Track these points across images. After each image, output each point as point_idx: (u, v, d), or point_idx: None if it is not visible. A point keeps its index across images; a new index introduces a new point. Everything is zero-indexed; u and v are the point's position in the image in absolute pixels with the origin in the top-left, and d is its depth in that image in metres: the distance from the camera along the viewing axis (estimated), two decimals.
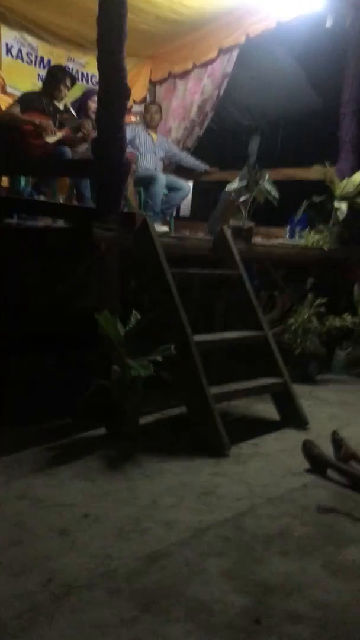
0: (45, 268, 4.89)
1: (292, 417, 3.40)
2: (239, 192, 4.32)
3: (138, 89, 6.23)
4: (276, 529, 2.19)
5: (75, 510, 2.25)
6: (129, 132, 4.85)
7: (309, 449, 2.78)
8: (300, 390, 3.64)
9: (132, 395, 3.00)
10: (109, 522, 2.18)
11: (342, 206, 4.72)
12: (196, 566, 1.92)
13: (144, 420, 3.28)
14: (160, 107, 5.88)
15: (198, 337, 3.18)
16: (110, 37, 3.06)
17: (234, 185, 4.36)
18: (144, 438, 3.06)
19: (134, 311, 3.18)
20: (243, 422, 3.44)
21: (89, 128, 4.70)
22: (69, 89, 4.90)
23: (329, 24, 4.83)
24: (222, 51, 5.83)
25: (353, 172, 4.82)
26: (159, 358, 2.92)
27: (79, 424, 3.16)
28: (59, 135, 4.65)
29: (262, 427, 3.34)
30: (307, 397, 3.84)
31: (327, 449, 2.82)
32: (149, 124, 5.59)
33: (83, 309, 4.78)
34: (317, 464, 2.73)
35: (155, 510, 2.29)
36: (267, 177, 4.23)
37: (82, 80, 5.83)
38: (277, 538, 2.13)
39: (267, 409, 3.56)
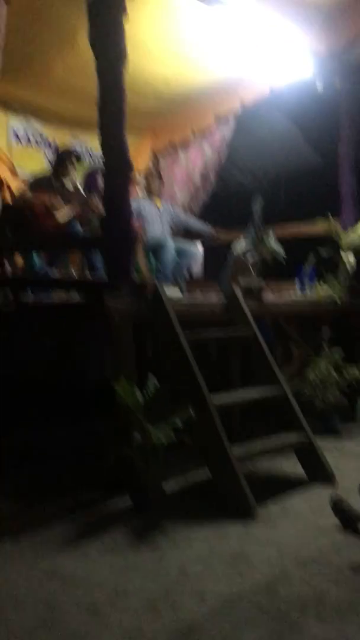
0: (61, 342, 5.01)
1: (318, 472, 3.35)
2: (246, 251, 4.42)
3: (141, 160, 6.47)
4: (310, 593, 2.13)
5: (104, 587, 2.21)
6: (134, 205, 5.03)
7: (337, 505, 2.73)
8: (324, 444, 3.60)
9: (154, 462, 2.99)
10: (139, 596, 2.15)
11: (350, 257, 4.78)
12: (231, 639, 1.87)
13: (168, 486, 3.25)
14: (159, 173, 6.09)
15: (216, 398, 3.19)
16: (111, 118, 3.23)
17: (241, 245, 4.46)
18: (169, 505, 3.03)
19: (150, 376, 3.21)
20: (268, 480, 3.39)
21: (97, 204, 4.88)
22: (75, 168, 5.12)
23: (320, 88, 5.03)
24: (219, 119, 6.06)
25: (356, 223, 4.91)
26: (179, 423, 2.92)
27: (103, 494, 3.14)
28: (69, 213, 4.84)
29: (288, 484, 3.29)
30: (332, 450, 3.78)
31: (357, 503, 2.76)
32: (151, 192, 5.78)
33: (101, 379, 4.86)
34: (347, 519, 2.68)
35: (185, 581, 2.25)
36: (271, 235, 4.32)
37: (88, 157, 6.08)
38: (312, 602, 2.07)
39: (291, 465, 3.52)
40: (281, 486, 3.26)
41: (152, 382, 3.17)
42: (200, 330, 3.85)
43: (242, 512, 2.85)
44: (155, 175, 5.93)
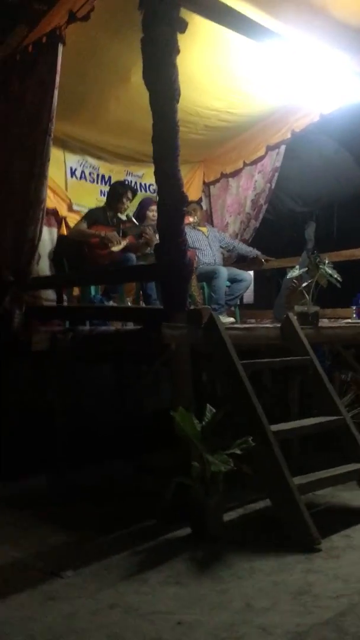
0: (119, 371, 5.07)
1: None
2: (300, 277, 4.40)
3: (193, 191, 6.58)
4: None
5: (167, 618, 2.19)
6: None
7: None
8: None
9: (213, 491, 2.97)
10: (203, 629, 2.11)
11: None
12: None
13: (228, 516, 3.22)
14: (200, 204, 6.22)
15: (275, 427, 3.15)
16: (165, 153, 3.30)
17: (296, 272, 4.44)
18: (230, 536, 2.99)
19: (208, 405, 3.21)
20: (331, 513, 3.30)
21: (151, 233, 4.99)
22: (130, 201, 5.25)
23: None
24: (269, 148, 6.10)
25: None
26: (238, 451, 2.90)
27: (163, 525, 3.13)
28: (123, 243, 4.96)
29: (353, 516, 3.20)
30: None
31: None
32: (195, 223, 5.83)
33: (159, 408, 4.88)
34: None
35: (249, 615, 2.21)
36: (327, 261, 4.29)
37: (140, 190, 6.22)
38: None
39: (354, 497, 3.42)
40: (344, 518, 3.17)
41: (210, 411, 3.17)
42: (256, 359, 3.84)
43: (305, 544, 2.78)
44: (194, 207, 5.98)
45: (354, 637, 2.02)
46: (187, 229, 5.61)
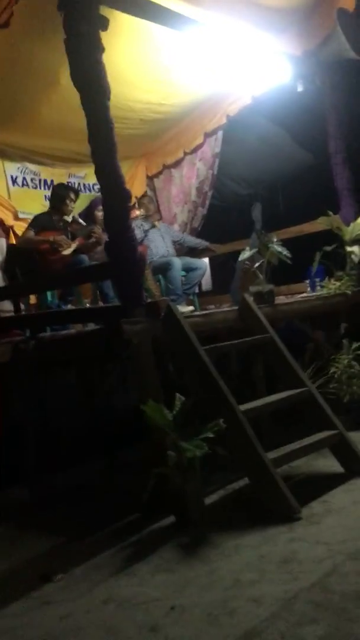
0: (84, 372, 5.07)
1: (355, 465, 3.36)
2: (252, 259, 4.47)
3: (137, 185, 6.60)
4: None
5: (161, 604, 2.25)
6: (138, 231, 5.15)
7: None
8: (358, 437, 3.60)
9: (192, 477, 3.02)
10: (197, 609, 2.17)
11: (355, 249, 4.81)
12: (293, 638, 1.90)
13: (210, 500, 3.28)
14: (151, 197, 6.29)
15: (244, 406, 3.22)
16: (103, 151, 3.32)
17: (246, 253, 4.52)
18: (213, 518, 3.05)
19: (177, 395, 3.26)
20: (308, 481, 3.40)
21: (99, 232, 4.99)
22: (74, 202, 5.23)
23: (300, 88, 5.11)
24: (207, 135, 6.16)
25: (357, 216, 4.95)
26: (211, 435, 2.96)
27: (147, 517, 3.17)
28: (73, 246, 4.95)
29: (328, 482, 3.30)
30: None
31: None
32: (148, 215, 5.87)
33: (128, 404, 4.90)
34: None
35: (239, 589, 2.27)
36: (275, 239, 4.38)
37: (84, 190, 6.21)
38: None
39: (329, 463, 3.52)
40: (321, 484, 3.27)
41: (179, 399, 3.22)
42: (218, 342, 3.90)
43: (286, 514, 2.87)
44: (148, 199, 6.06)
45: (340, 596, 2.10)
46: (139, 222, 5.71)
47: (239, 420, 3.07)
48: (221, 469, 3.42)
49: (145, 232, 5.63)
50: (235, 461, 3.18)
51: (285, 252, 4.31)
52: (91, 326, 4.36)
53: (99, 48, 3.30)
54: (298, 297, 4.91)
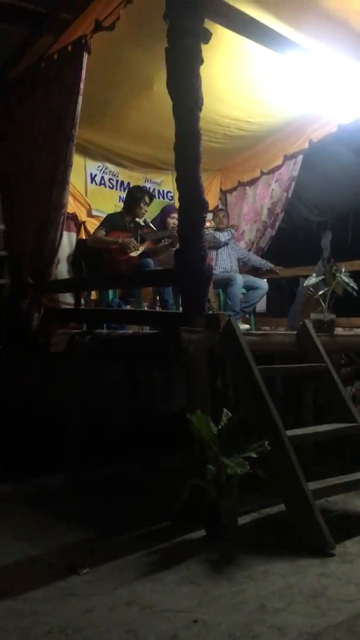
0: (134, 373, 5.11)
1: None
2: (316, 286, 4.42)
3: (210, 198, 6.55)
4: None
5: (184, 616, 2.22)
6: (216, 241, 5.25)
7: None
8: None
9: (228, 494, 2.99)
10: (219, 627, 2.14)
11: None
12: None
13: (242, 520, 3.24)
14: (227, 212, 6.35)
15: (291, 432, 3.17)
16: (188, 160, 3.35)
17: (312, 280, 4.47)
18: (245, 539, 3.01)
19: (224, 409, 3.24)
20: (344, 519, 3.31)
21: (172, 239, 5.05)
22: (148, 206, 5.30)
23: None
24: (287, 157, 6.14)
25: None
26: (254, 455, 2.92)
27: (178, 527, 3.15)
28: (141, 249, 5.01)
29: None
30: None
31: None
32: (219, 228, 5.94)
33: (170, 411, 4.92)
34: None
35: (264, 615, 2.23)
36: (343, 270, 4.31)
37: (158, 197, 6.29)
38: None
39: None
40: (357, 524, 3.17)
41: (227, 415, 3.20)
42: (272, 365, 3.87)
43: (319, 548, 2.80)
44: (223, 214, 6.10)
45: None
46: (212, 233, 5.75)
47: (284, 445, 3.02)
48: (257, 491, 3.37)
49: (225, 242, 5.71)
50: (274, 485, 3.13)
51: (352, 283, 4.23)
52: (146, 329, 4.41)
53: (198, 60, 3.34)
54: (358, 330, 4.81)
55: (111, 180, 6.03)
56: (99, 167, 5.92)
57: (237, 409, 3.34)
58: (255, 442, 3.01)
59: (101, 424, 4.59)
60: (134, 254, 4.96)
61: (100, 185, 5.94)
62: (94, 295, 5.35)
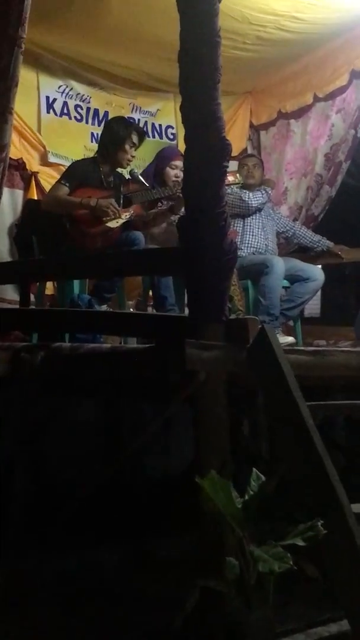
0: (113, 410, 5.11)
1: None
2: None
3: (234, 138, 6.65)
4: None
5: None
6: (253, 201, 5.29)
7: None
8: None
9: (261, 603, 2.99)
10: None
11: None
12: None
13: None
14: (260, 160, 6.36)
15: (357, 507, 3.16)
16: (199, 76, 3.34)
17: None
18: None
19: (254, 470, 3.24)
20: None
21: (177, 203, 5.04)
22: (136, 148, 5.32)
23: None
24: (356, 74, 6.18)
25: None
26: (301, 542, 2.91)
27: None
28: (125, 216, 5.01)
29: None
30: None
31: None
32: (247, 185, 5.95)
33: (170, 470, 4.91)
34: None
35: None
36: None
37: (153, 134, 6.33)
38: None
39: None
40: None
41: (257, 478, 3.19)
42: (328, 399, 3.86)
43: None
44: (255, 162, 6.10)
45: None
46: (236, 192, 5.74)
47: (349, 528, 3.01)
48: (304, 599, 3.37)
49: (258, 207, 5.73)
50: (332, 591, 3.12)
51: None
52: (132, 342, 4.40)
53: None
54: None
55: (79, 109, 6.09)
56: (59, 87, 5.99)
57: (273, 470, 3.33)
58: (302, 522, 3.01)
59: (62, 487, 4.58)
60: (112, 223, 4.96)
61: (61, 115, 6.00)
62: (50, 288, 5.37)
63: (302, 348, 4.39)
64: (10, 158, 4.59)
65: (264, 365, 3.38)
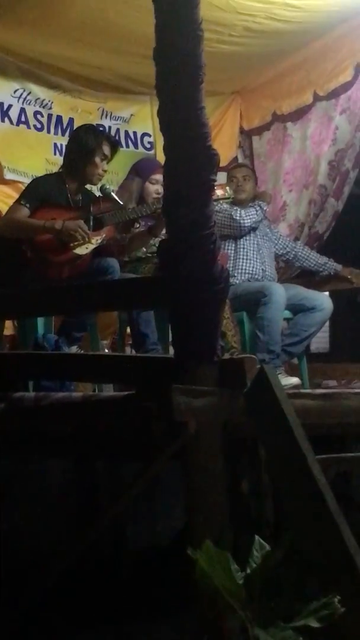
0: (87, 471, 5.10)
1: None
2: None
3: (222, 145, 6.71)
4: None
5: None
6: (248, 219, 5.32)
7: None
8: None
9: None
10: None
11: None
12: None
13: None
14: (252, 170, 6.44)
15: None
16: (179, 75, 3.38)
17: None
18: None
19: (257, 538, 3.23)
20: None
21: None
22: (108, 161, 5.34)
23: None
24: None
25: None
26: (314, 623, 2.91)
27: None
28: (96, 240, 5.02)
29: None
30: None
31: None
32: (239, 201, 5.99)
33: (155, 541, 4.90)
34: None
35: None
36: None
37: (127, 144, 6.38)
38: None
39: None
40: None
41: (261, 547, 3.19)
42: (344, 451, 3.87)
43: None
44: (245, 174, 6.14)
45: None
46: (225, 209, 5.76)
47: None
48: None
49: (252, 225, 5.78)
50: None
51: None
52: (109, 390, 4.40)
53: None
54: None
55: (39, 116, 6.13)
56: (15, 91, 6.04)
57: (279, 536, 3.33)
58: (315, 598, 3.00)
59: (25, 565, 4.56)
60: (81, 249, 4.97)
61: (18, 124, 6.05)
62: (9, 327, 5.36)
63: (309, 391, 4.39)
64: None
65: (264, 413, 3.39)
